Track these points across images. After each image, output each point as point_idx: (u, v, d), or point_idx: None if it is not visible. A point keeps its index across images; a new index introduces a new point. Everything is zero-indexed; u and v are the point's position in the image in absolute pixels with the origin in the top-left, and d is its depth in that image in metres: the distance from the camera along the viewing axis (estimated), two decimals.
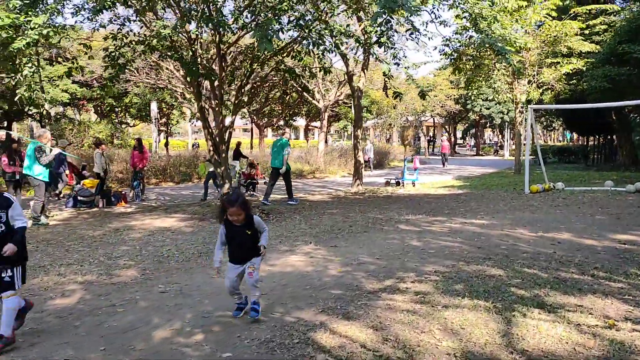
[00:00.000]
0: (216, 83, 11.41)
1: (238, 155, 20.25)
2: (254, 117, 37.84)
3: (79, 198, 12.70)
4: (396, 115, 34.06)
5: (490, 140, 68.19)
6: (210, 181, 13.85)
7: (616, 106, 13.76)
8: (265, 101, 36.06)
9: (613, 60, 15.09)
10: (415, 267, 5.67)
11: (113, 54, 10.43)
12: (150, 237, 7.97)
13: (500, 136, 53.69)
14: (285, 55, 12.00)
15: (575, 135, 43.14)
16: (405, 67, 11.63)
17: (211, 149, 12.20)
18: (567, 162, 31.35)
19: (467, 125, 60.65)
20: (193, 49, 11.04)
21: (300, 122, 42.71)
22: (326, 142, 40.70)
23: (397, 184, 17.35)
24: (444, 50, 14.62)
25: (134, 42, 10.57)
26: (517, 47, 11.84)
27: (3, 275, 3.70)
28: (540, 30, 19.49)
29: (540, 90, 20.12)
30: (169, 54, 10.53)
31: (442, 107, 38.85)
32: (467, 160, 38.93)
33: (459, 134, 70.86)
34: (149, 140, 38.60)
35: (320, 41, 10.04)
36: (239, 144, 21.05)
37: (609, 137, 28.95)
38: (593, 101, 15.00)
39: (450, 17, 11.62)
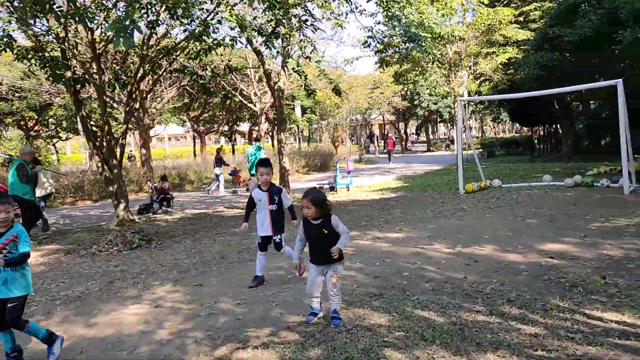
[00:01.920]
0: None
1: (220, 162, 18.61)
2: (194, 124, 36.00)
3: None
4: (341, 116, 32.83)
5: (444, 135, 68.04)
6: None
7: (542, 95, 12.81)
8: (205, 107, 34.28)
9: (546, 47, 14.21)
10: (278, 317, 4.29)
11: None
12: None
13: (450, 131, 53.46)
14: (178, 54, 10.50)
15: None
16: (316, 62, 10.36)
17: (99, 164, 10.57)
18: (514, 154, 30.86)
19: (420, 121, 60.21)
20: (61, 48, 9.40)
21: (245, 127, 41.06)
22: (273, 145, 39.28)
23: (332, 189, 16.06)
24: (368, 42, 13.36)
25: None
26: (437, 34, 10.73)
27: (275, 238, 5.30)
28: (473, 19, 18.65)
29: (478, 82, 19.24)
30: (29, 56, 8.85)
31: (388, 104, 37.92)
32: (417, 157, 38.18)
33: (412, 131, 70.62)
34: (78, 156, 36.23)
35: (204, 33, 8.60)
36: (219, 150, 19.35)
37: (553, 127, 28.53)
38: (528, 90, 14.06)
39: (375, 8, 10.35)
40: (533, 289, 4.68)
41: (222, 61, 13.30)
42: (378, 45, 13.83)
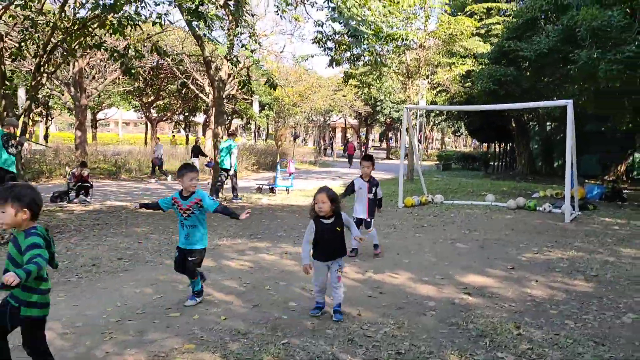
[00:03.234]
0: None
1: (198, 152, 17.53)
2: (146, 111, 34.35)
3: None
4: (299, 114, 31.91)
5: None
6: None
7: (487, 109, 12.27)
8: (158, 93, 32.74)
9: (503, 61, 13.66)
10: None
11: None
12: None
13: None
14: (96, 27, 9.34)
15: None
16: (251, 51, 9.39)
17: None
18: (470, 169, 30.65)
19: (384, 128, 59.82)
20: None
21: (201, 118, 39.65)
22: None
23: (271, 190, 15.11)
24: (317, 38, 12.47)
25: None
26: (385, 34, 9.95)
27: (368, 220, 6.51)
28: (436, 26, 18.07)
29: (434, 92, 18.65)
30: None
31: (350, 107, 37.23)
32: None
33: (375, 137, 70.33)
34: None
35: (115, 4, 7.52)
36: (197, 140, 18.49)
37: (510, 145, 28.41)
38: (482, 104, 13.47)
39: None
40: (433, 337, 3.86)
41: (149, 41, 12.10)
42: (329, 42, 12.93)
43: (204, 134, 41.01)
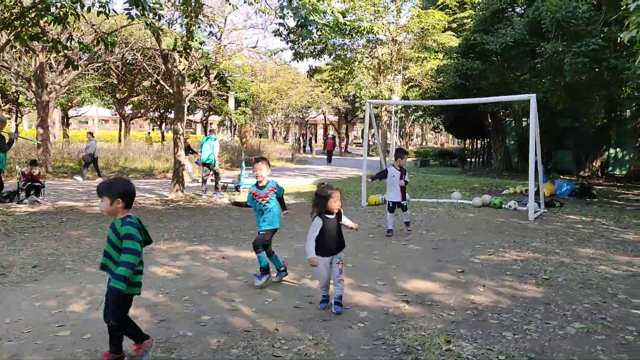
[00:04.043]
0: None
1: (187, 150, 16.92)
2: (119, 108, 33.52)
3: None
4: (275, 111, 31.35)
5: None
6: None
7: (447, 104, 11.94)
8: (132, 89, 31.95)
9: (472, 55, 13.31)
10: None
11: None
12: None
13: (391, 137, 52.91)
14: (34, 16, 8.78)
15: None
16: (200, 43, 8.90)
17: None
18: (447, 165, 30.36)
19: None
20: None
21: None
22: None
23: (236, 188, 14.61)
24: (279, 31, 12.01)
25: None
26: (343, 25, 9.51)
27: (403, 203, 7.57)
28: (407, 20, 17.70)
29: (406, 87, 18.28)
30: None
31: (328, 104, 36.77)
32: (353, 160, 37.28)
33: (358, 133, 70.00)
34: None
35: None
36: (187, 139, 17.82)
37: (487, 141, 28.17)
38: (449, 98, 13.10)
39: None
40: (352, 354, 3.44)
41: (90, 29, 11.50)
42: (292, 35, 12.48)
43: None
